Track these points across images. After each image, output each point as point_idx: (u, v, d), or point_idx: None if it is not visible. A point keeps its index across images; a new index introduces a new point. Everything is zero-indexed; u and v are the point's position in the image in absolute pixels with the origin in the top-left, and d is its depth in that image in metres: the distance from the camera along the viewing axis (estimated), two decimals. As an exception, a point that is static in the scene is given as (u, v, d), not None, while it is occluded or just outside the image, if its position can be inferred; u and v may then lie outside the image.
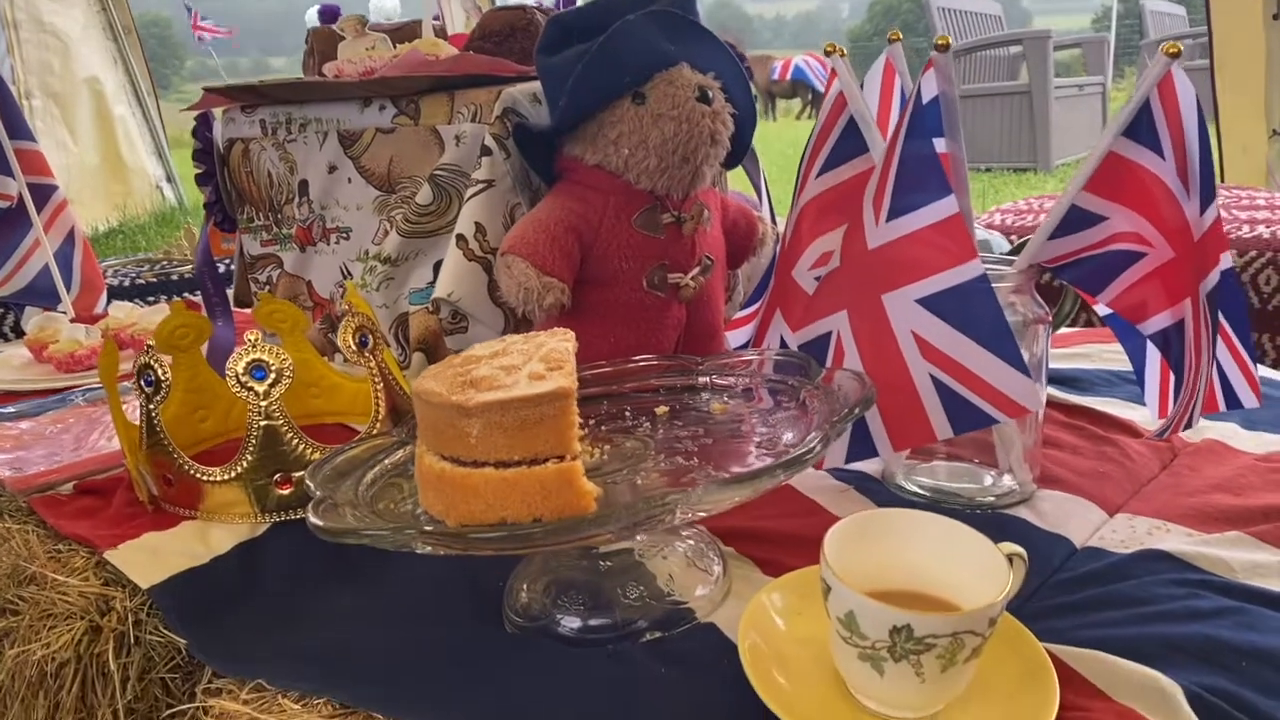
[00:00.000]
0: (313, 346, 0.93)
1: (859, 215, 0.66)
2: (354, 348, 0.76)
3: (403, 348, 0.99)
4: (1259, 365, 0.77)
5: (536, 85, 0.89)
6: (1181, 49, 0.61)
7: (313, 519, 0.51)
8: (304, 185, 1.06)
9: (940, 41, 0.66)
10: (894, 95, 0.76)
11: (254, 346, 0.71)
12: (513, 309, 0.82)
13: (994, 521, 0.68)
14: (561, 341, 0.58)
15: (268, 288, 1.14)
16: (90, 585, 0.67)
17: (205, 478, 0.72)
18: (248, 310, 1.19)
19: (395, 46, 1.03)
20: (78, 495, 0.80)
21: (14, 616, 0.69)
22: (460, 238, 0.85)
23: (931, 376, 0.62)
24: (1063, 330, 1.17)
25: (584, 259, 0.80)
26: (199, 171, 1.14)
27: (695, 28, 0.80)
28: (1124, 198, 0.66)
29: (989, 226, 1.73)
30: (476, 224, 0.85)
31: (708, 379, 0.72)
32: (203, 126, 1.12)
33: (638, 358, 0.74)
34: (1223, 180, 2.50)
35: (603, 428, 0.69)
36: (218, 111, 1.13)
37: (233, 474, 0.72)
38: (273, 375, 0.71)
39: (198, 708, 0.60)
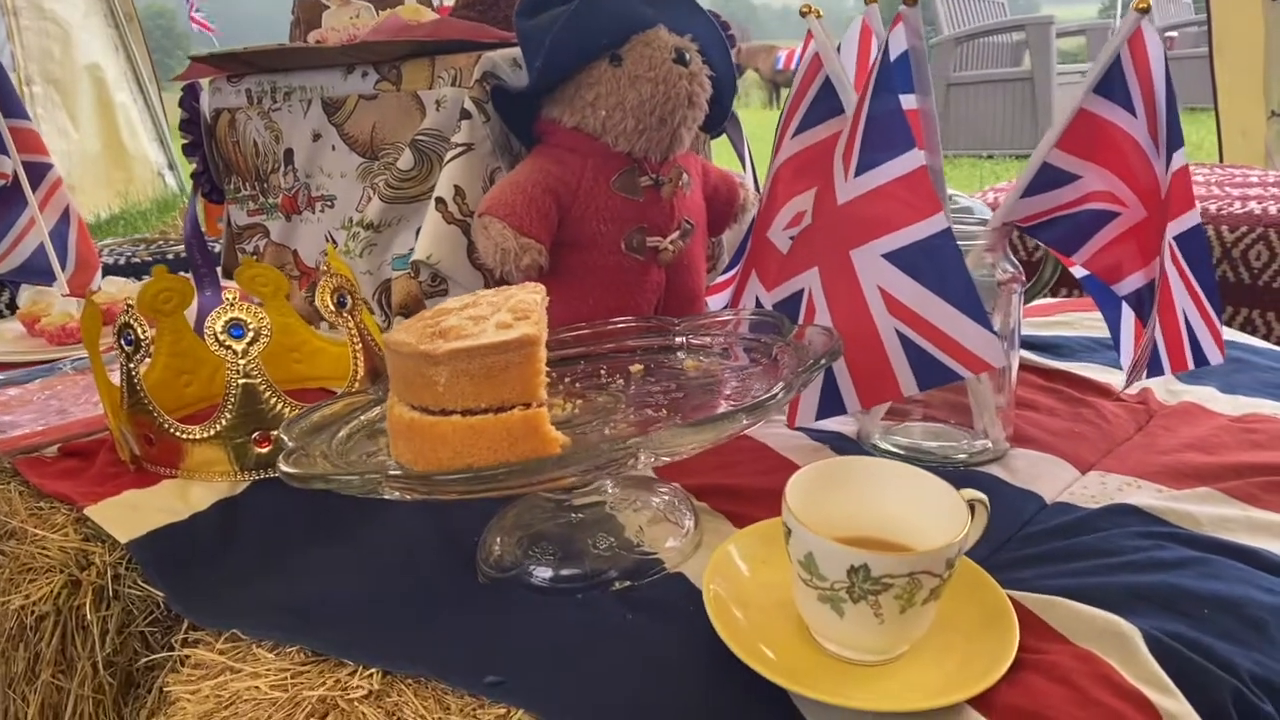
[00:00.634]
0: (298, 314, 0.93)
1: (830, 172, 0.66)
2: (332, 308, 0.76)
3: (386, 313, 0.99)
4: (1224, 326, 0.77)
5: (517, 50, 0.89)
6: (1151, 4, 0.60)
7: (283, 467, 0.52)
8: (289, 154, 1.06)
9: (909, -4, 0.66)
10: (870, 58, 0.76)
11: (232, 305, 0.72)
12: (490, 271, 0.83)
13: (965, 478, 0.67)
14: (531, 294, 0.58)
15: (255, 258, 1.14)
16: (70, 540, 0.68)
17: (185, 436, 0.73)
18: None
19: (378, 14, 1.04)
20: (62, 457, 0.80)
21: (-6, 570, 0.70)
22: (439, 200, 0.85)
23: (898, 332, 0.62)
24: (1044, 300, 1.17)
25: (562, 221, 0.80)
26: (186, 142, 1.15)
27: (673, -10, 0.80)
28: (1097, 156, 0.66)
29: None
30: (456, 187, 0.85)
31: (684, 339, 0.73)
32: (189, 97, 1.12)
33: (616, 319, 0.75)
34: (1222, 163, 2.49)
35: (577, 384, 0.70)
36: (204, 82, 1.14)
37: (212, 432, 0.73)
38: (250, 334, 0.72)
39: (175, 657, 0.60)
